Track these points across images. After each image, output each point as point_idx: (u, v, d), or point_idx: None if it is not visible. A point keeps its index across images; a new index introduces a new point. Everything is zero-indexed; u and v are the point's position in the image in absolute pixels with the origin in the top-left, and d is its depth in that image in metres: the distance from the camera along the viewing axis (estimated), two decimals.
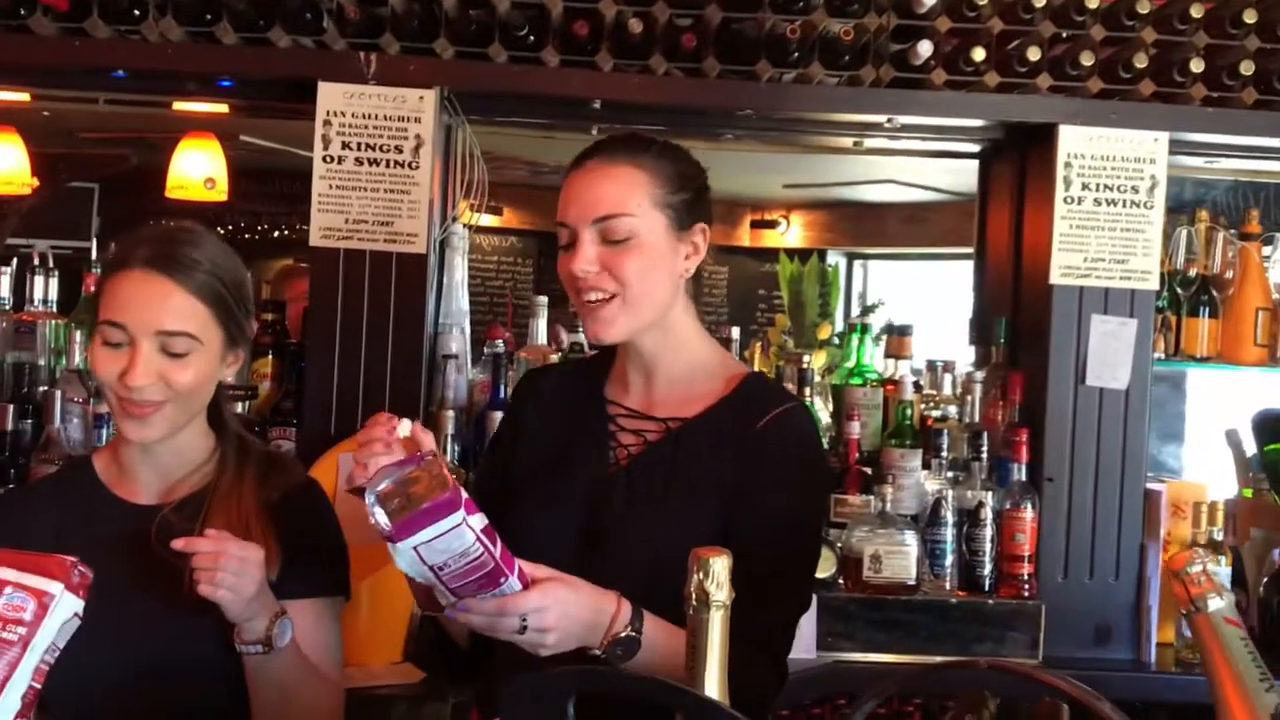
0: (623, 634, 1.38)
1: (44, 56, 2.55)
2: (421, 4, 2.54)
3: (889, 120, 2.72)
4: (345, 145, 2.54)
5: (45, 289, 2.87)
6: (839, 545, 2.63)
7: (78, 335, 2.74)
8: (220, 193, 4.58)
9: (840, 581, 2.62)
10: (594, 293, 1.57)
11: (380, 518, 1.27)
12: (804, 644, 2.56)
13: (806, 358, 2.93)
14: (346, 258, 2.56)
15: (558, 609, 1.34)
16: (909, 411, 2.76)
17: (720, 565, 1.03)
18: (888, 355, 2.95)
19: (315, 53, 2.57)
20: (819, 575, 2.62)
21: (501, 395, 2.66)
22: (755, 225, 7.77)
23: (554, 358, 2.76)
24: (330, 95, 2.54)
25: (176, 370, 1.54)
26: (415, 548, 1.26)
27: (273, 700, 1.52)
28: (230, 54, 2.55)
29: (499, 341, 2.81)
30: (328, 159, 2.54)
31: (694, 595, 1.03)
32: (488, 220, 6.31)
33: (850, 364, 2.98)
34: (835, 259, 7.35)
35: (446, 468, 1.31)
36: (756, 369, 1.79)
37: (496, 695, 1.05)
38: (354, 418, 2.54)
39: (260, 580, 1.47)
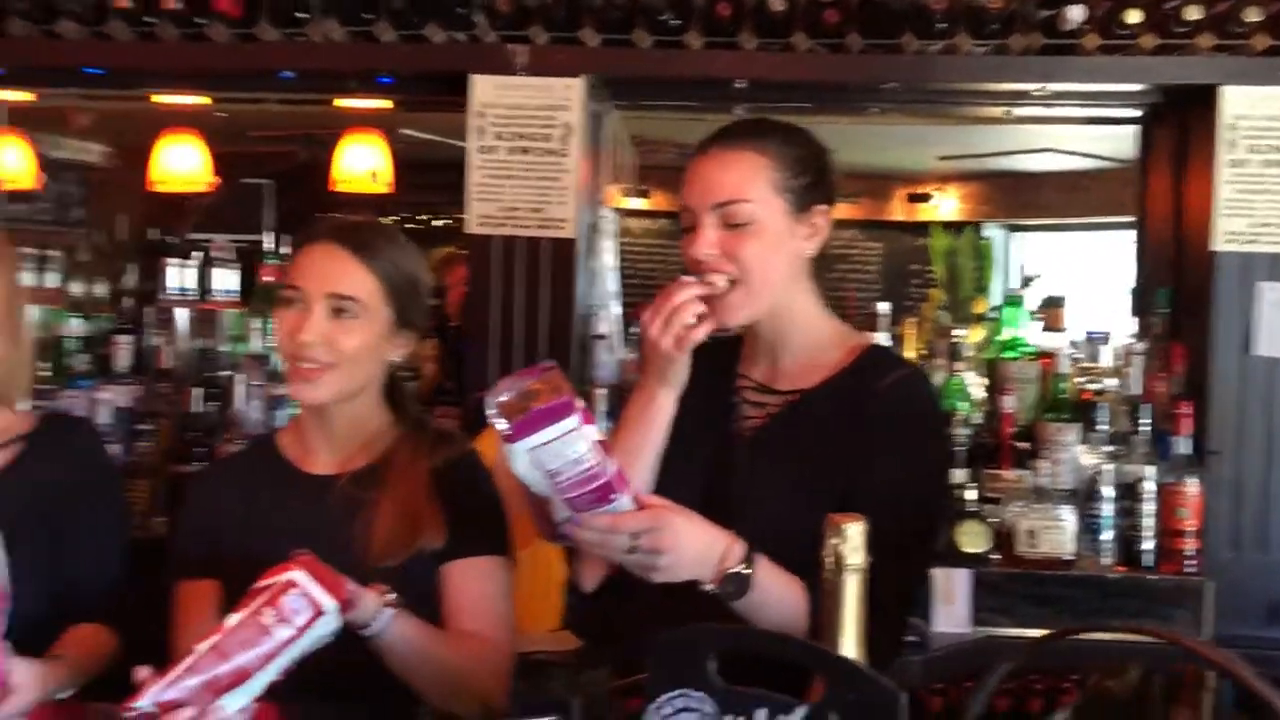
0: (734, 570, 1.41)
1: (219, 61, 2.72)
2: None
3: (1040, 88, 2.66)
4: (498, 135, 2.64)
5: (225, 280, 3.07)
6: (993, 520, 2.61)
7: (255, 322, 2.92)
8: (384, 184, 4.76)
9: (995, 556, 2.60)
10: (715, 269, 1.60)
11: (499, 422, 1.32)
12: (959, 618, 2.56)
13: (957, 332, 2.90)
14: (501, 244, 2.66)
15: (668, 532, 1.37)
16: (1064, 385, 2.71)
17: (855, 531, 1.06)
18: (1044, 328, 2.90)
19: (467, 46, 2.67)
20: (972, 550, 2.62)
21: None
22: (909, 199, 7.64)
23: None
24: (483, 87, 2.64)
25: (343, 333, 1.64)
26: (532, 449, 1.31)
27: (424, 673, 1.58)
28: (388, 51, 2.67)
29: None
30: (482, 149, 2.64)
31: (830, 560, 1.06)
32: (637, 203, 6.41)
33: (1004, 337, 2.93)
34: (992, 231, 7.17)
35: (563, 378, 1.35)
36: (883, 343, 1.78)
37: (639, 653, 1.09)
38: None
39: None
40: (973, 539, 2.61)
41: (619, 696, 1.21)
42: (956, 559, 2.57)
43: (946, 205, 7.59)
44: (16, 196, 4.77)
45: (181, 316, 2.98)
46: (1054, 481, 2.61)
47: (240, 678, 1.34)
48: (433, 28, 2.64)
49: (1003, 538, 2.59)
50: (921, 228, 7.13)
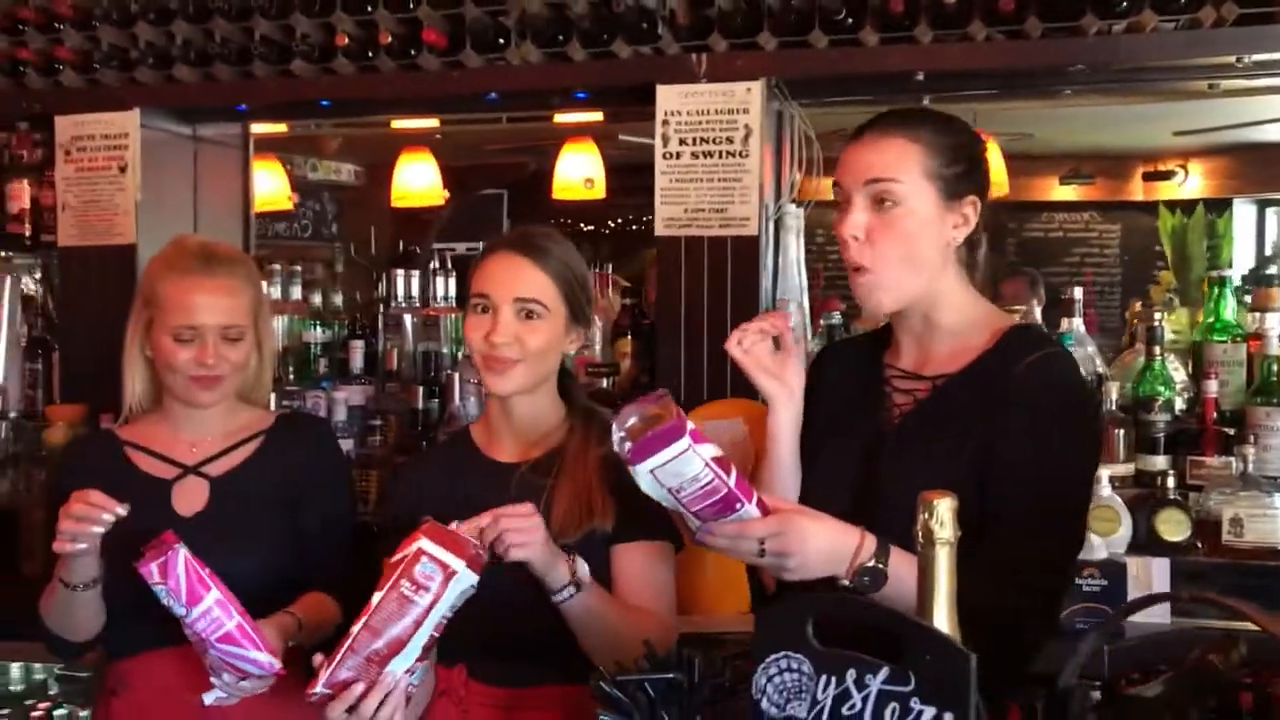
0: (868, 565, 1.48)
1: (431, 87, 2.98)
2: (746, 0, 2.72)
3: (1239, 60, 2.56)
4: (682, 141, 2.77)
5: (445, 287, 3.33)
6: (1194, 509, 2.54)
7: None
8: (598, 191, 4.99)
9: (1197, 545, 2.53)
10: (855, 260, 1.66)
11: (624, 447, 1.44)
12: (1157, 609, 2.51)
13: (1159, 315, 2.82)
14: (687, 244, 2.79)
15: (795, 535, 1.45)
16: (1275, 367, 2.60)
17: (944, 506, 1.12)
18: (1252, 308, 2.78)
19: (652, 59, 2.82)
20: (1172, 539, 2.55)
21: None
22: (1147, 177, 7.27)
23: None
24: (667, 97, 2.78)
25: (529, 332, 1.82)
26: (652, 471, 1.42)
27: (596, 636, 1.74)
28: (581, 68, 2.86)
29: (835, 314, 2.93)
30: (667, 155, 2.79)
31: (921, 534, 1.13)
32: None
33: (1210, 319, 2.83)
34: (1243, 207, 6.73)
35: (672, 403, 1.46)
36: (1030, 322, 1.77)
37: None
38: (700, 389, 2.77)
39: (544, 531, 1.67)
40: (1173, 527, 2.54)
41: (737, 659, 1.31)
42: (1155, 548, 2.51)
43: (1190, 183, 7.18)
44: (276, 216, 5.28)
45: (408, 322, 3.26)
46: (1262, 468, 2.51)
47: (397, 646, 1.51)
48: (620, 43, 2.80)
49: (1204, 526, 2.52)
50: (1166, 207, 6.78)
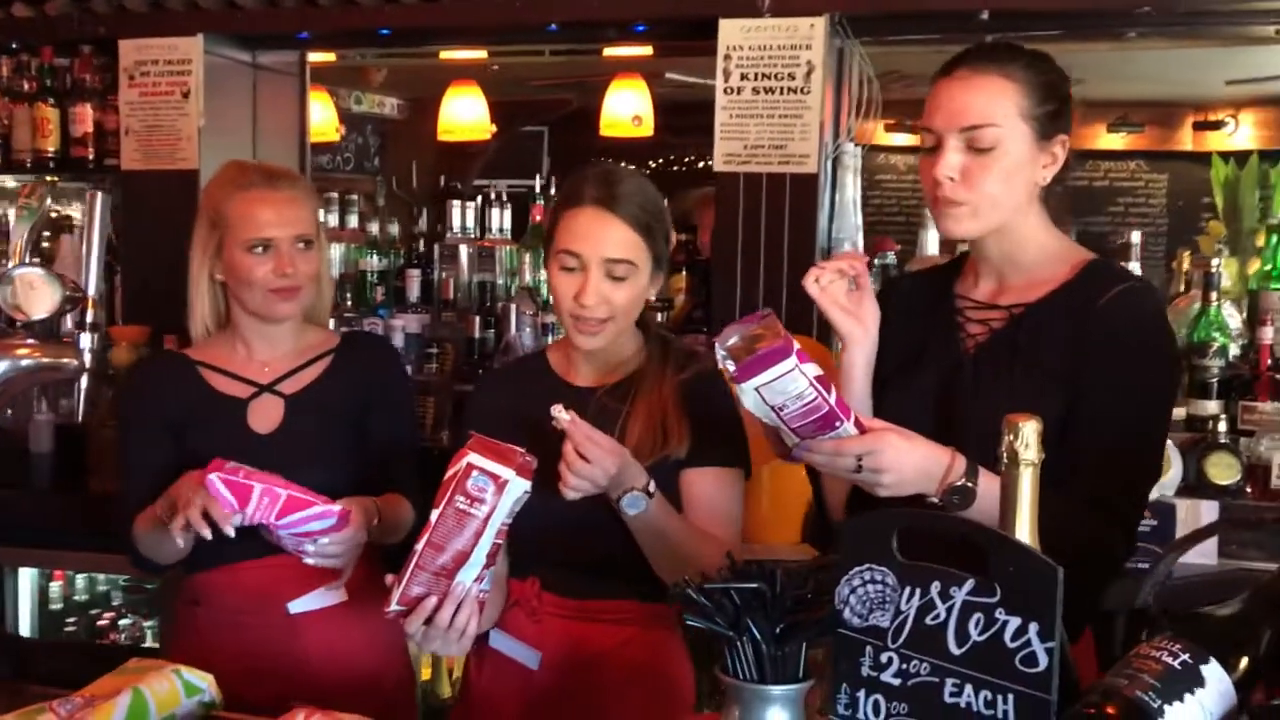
0: (958, 484, 1.51)
1: (491, 17, 2.99)
2: None
3: None
4: (743, 76, 2.78)
5: (500, 219, 3.37)
6: (1244, 453, 2.56)
7: (527, 258, 3.20)
8: (647, 128, 4.98)
9: (1246, 489, 2.55)
10: (949, 198, 1.68)
11: (728, 364, 1.47)
12: (1204, 551, 2.54)
13: (1215, 262, 2.82)
14: (745, 181, 2.81)
15: (890, 452, 1.48)
16: None
17: (1029, 429, 1.16)
18: None
19: None
20: (1222, 482, 2.58)
21: None
22: (1198, 127, 7.17)
23: None
24: (729, 31, 2.78)
25: (618, 291, 1.82)
26: (757, 388, 1.45)
27: (664, 555, 1.78)
28: (642, 1, 2.85)
29: (889, 254, 2.94)
30: (728, 90, 2.79)
31: (1005, 455, 1.16)
32: (901, 139, 6.36)
33: (1268, 268, 2.83)
34: None
35: (779, 323, 1.48)
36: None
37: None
38: None
39: (612, 470, 1.68)
40: (1222, 470, 2.57)
41: (818, 572, 1.35)
42: (1205, 491, 2.54)
43: (1240, 133, 7.09)
44: (320, 148, 5.30)
45: (464, 253, 3.30)
46: None
47: (461, 559, 1.56)
48: None
49: (1254, 471, 2.54)
50: (1211, 159, 6.70)
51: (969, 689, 1.10)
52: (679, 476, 1.87)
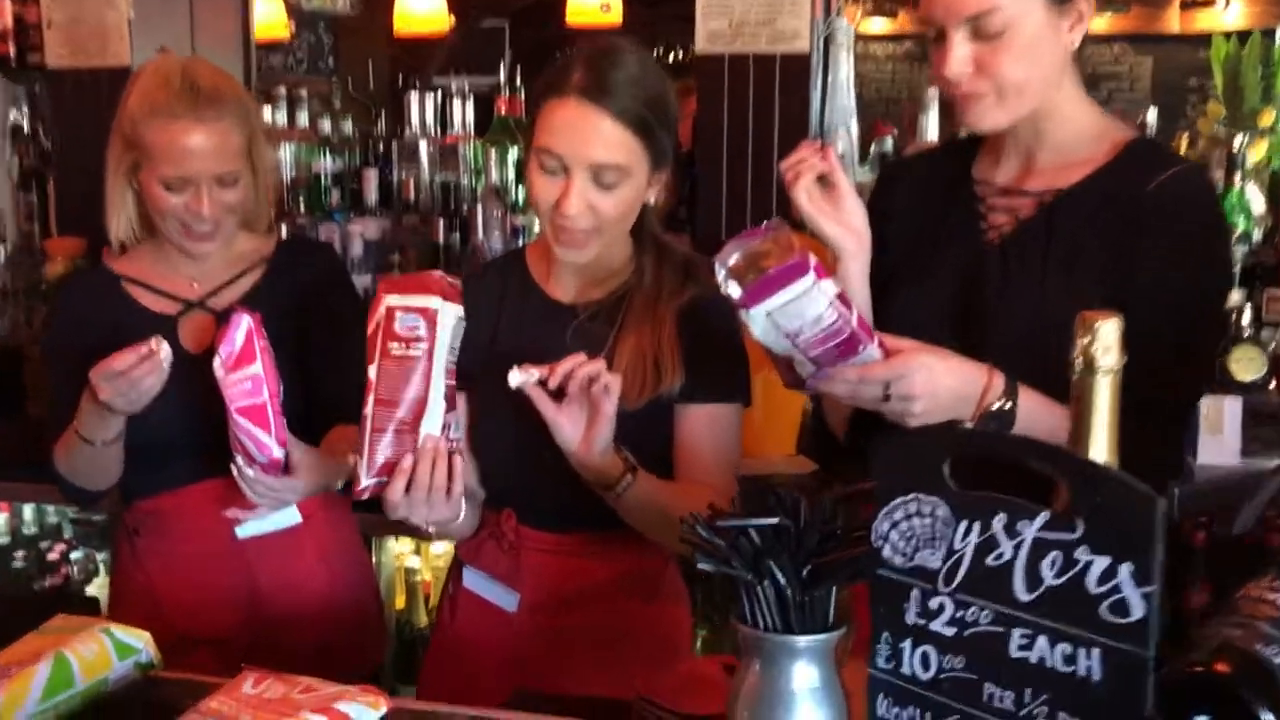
0: (995, 406, 1.33)
1: None
2: None
3: None
4: None
5: (463, 114, 3.11)
6: (1270, 345, 2.40)
7: (493, 154, 2.96)
8: (616, 15, 4.70)
9: (1270, 385, 2.39)
10: (968, 92, 1.47)
11: (731, 287, 1.28)
12: (1227, 450, 2.38)
13: (1238, 139, 2.62)
14: (731, 63, 2.57)
15: (921, 375, 1.30)
16: None
17: (1109, 328, 0.97)
18: None
19: None
20: (1245, 378, 2.42)
21: None
22: (1185, 6, 6.92)
23: None
24: None
25: (606, 200, 1.56)
26: (769, 313, 1.26)
27: (652, 524, 1.58)
28: None
29: (887, 138, 2.73)
30: None
31: (1080, 360, 0.97)
32: (880, 25, 6.09)
33: None
34: None
35: (793, 235, 1.30)
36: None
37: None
38: (743, 218, 2.59)
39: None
40: (1246, 365, 2.40)
41: (847, 502, 1.18)
42: (1226, 386, 2.38)
43: (1233, 11, 6.84)
44: (271, 48, 4.98)
45: (424, 151, 3.06)
46: None
47: (419, 408, 1.41)
48: None
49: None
50: (1202, 40, 6.46)
51: (1042, 641, 0.92)
52: (672, 412, 1.65)
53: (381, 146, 3.22)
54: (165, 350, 1.67)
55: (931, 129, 2.73)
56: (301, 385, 1.86)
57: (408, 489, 1.43)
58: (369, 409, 1.41)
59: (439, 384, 1.42)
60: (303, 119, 3.23)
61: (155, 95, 1.82)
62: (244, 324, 1.63)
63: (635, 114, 1.56)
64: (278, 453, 1.63)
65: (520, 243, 2.75)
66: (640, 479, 1.54)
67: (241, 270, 1.94)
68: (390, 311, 1.40)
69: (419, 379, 1.40)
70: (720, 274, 1.29)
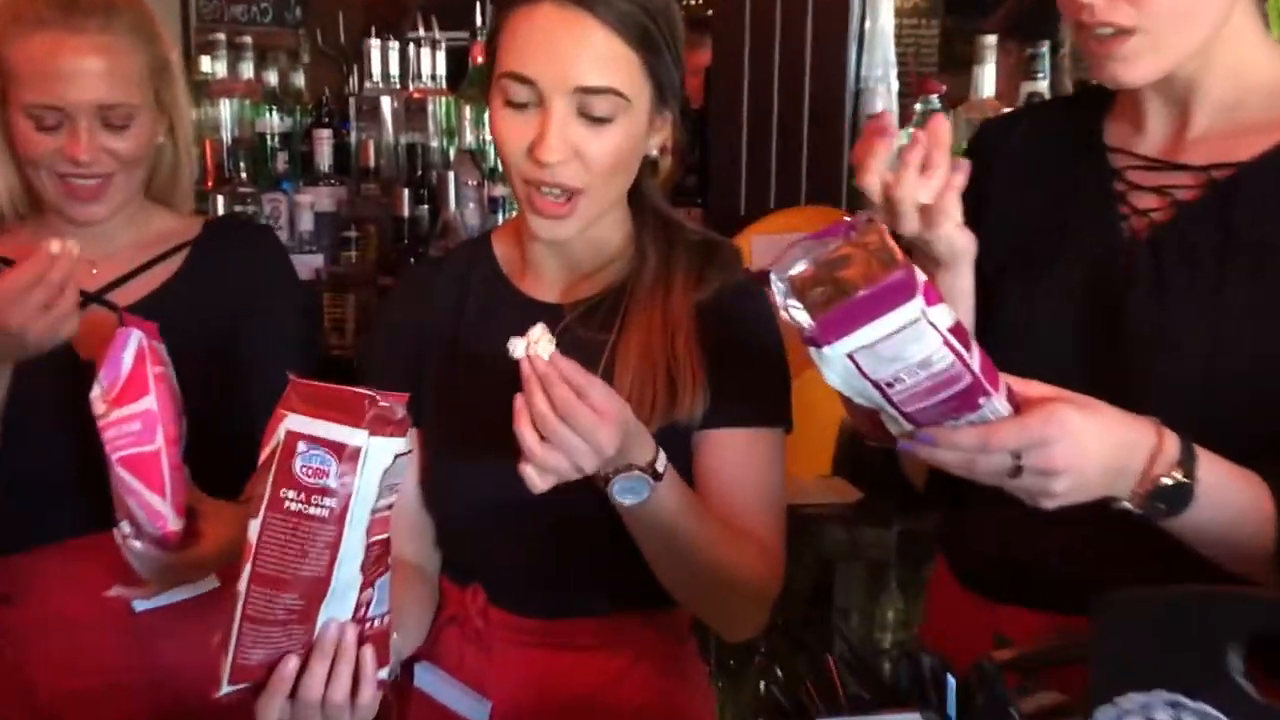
0: (1167, 480, 0.95)
1: None
2: None
3: None
4: None
5: (433, 65, 2.67)
6: None
7: (468, 112, 2.53)
8: None
9: None
10: (1108, 21, 1.08)
11: (797, 313, 0.89)
12: None
13: None
14: (754, 7, 2.15)
15: (1068, 442, 0.92)
16: None
17: None
18: None
19: None
20: None
21: None
22: None
23: None
24: None
25: (597, 141, 1.16)
26: (850, 355, 0.87)
27: (674, 561, 1.18)
28: None
29: (933, 97, 2.31)
30: None
31: None
32: None
33: None
34: None
35: (889, 239, 0.89)
36: None
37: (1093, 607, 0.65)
38: (766, 194, 2.18)
39: (609, 447, 1.06)
40: None
41: (1021, 668, 0.78)
42: None
43: None
44: None
45: (387, 107, 2.61)
46: None
47: (318, 588, 0.97)
48: None
49: None
50: None
51: None
52: (691, 440, 1.24)
53: (338, 104, 2.77)
54: (71, 246, 1.27)
55: (987, 85, 2.30)
56: (225, 410, 1.44)
57: (292, 696, 1.00)
58: (242, 584, 0.97)
59: (354, 551, 0.98)
60: (246, 71, 2.77)
61: (20, 2, 1.40)
62: (133, 341, 1.21)
63: (634, 21, 1.15)
64: (174, 524, 1.21)
65: (501, 218, 2.32)
66: (669, 489, 1.13)
67: (155, 257, 1.53)
68: (291, 440, 0.95)
69: (320, 551, 0.96)
70: (779, 291, 0.89)
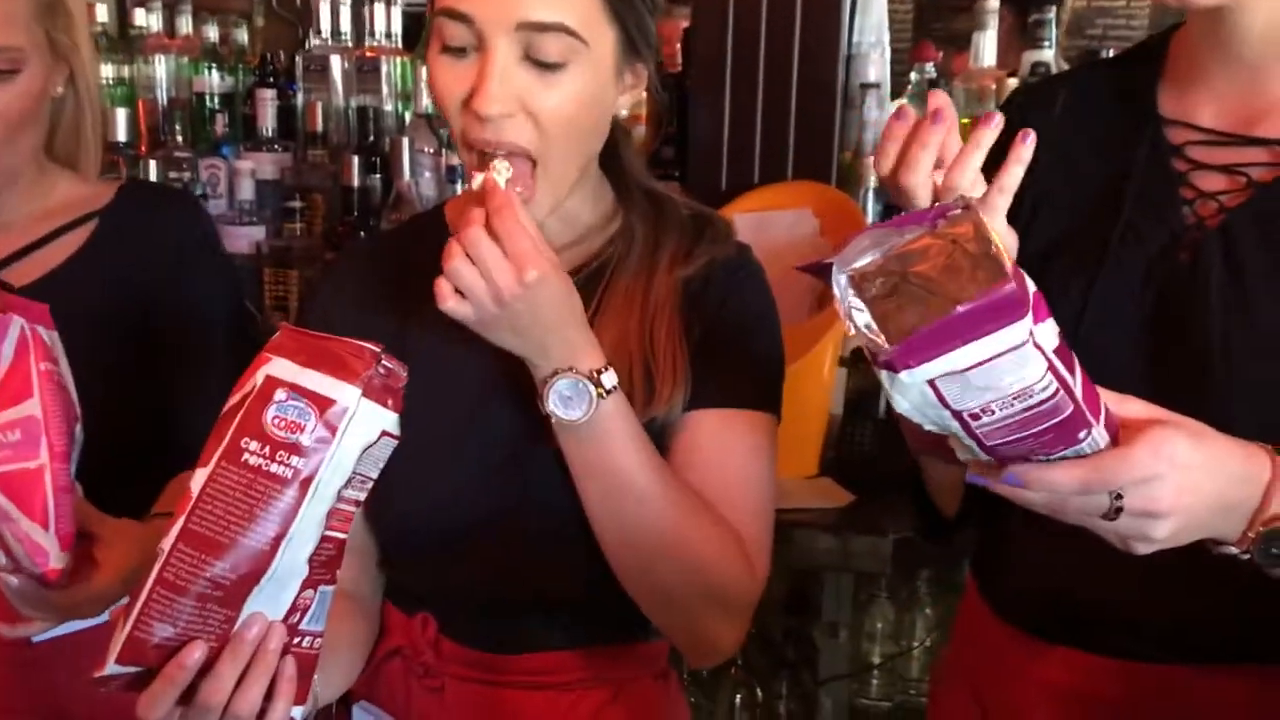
0: None
1: None
2: None
3: None
4: None
5: (387, 21, 2.46)
6: None
7: (424, 72, 2.33)
8: None
9: None
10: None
11: (864, 324, 0.71)
12: None
13: None
14: None
15: (1177, 479, 0.76)
16: None
17: None
18: None
19: None
20: None
21: None
22: None
23: (1012, 83, 2.06)
24: None
25: (546, 91, 0.99)
26: (934, 381, 0.70)
27: (614, 514, 1.01)
28: None
29: (929, 65, 2.16)
30: None
31: None
32: None
33: None
34: None
35: (991, 233, 0.71)
36: None
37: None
38: (750, 167, 2.01)
39: (514, 287, 0.93)
40: None
41: None
42: None
43: None
44: None
45: (336, 67, 2.41)
46: None
47: (255, 567, 0.80)
48: None
49: None
50: None
51: None
52: (668, 435, 1.07)
53: (284, 63, 2.56)
54: None
55: (988, 53, 2.13)
56: (134, 409, 1.25)
57: (184, 701, 0.82)
58: (167, 542, 0.80)
59: (309, 535, 0.81)
60: (184, 25, 2.56)
61: None
62: (13, 330, 1.00)
63: None
64: (57, 560, 1.00)
65: (460, 189, 2.13)
66: (615, 411, 0.99)
67: (57, 228, 1.33)
68: (269, 386, 0.80)
69: (270, 520, 0.79)
70: (842, 294, 0.71)
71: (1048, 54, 2.08)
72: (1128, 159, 1.03)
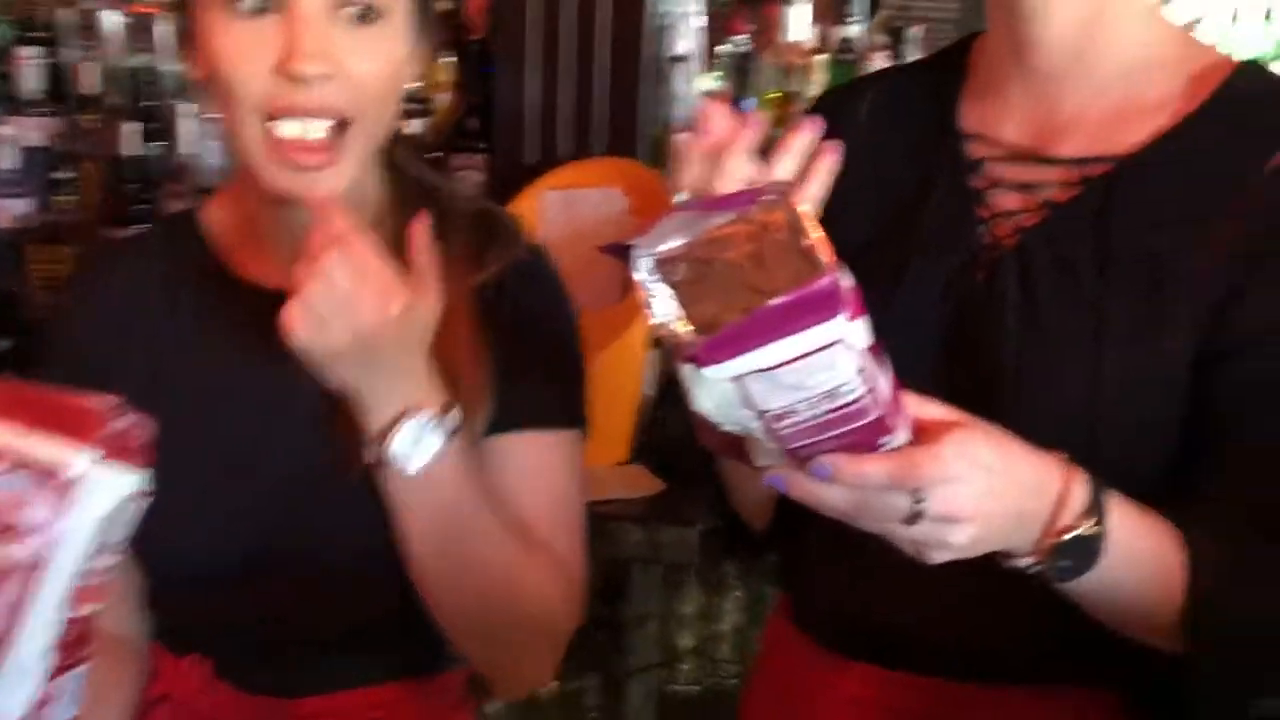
0: (1081, 531, 0.77)
1: None
2: None
3: None
4: None
5: None
6: None
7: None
8: None
9: None
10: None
11: (666, 313, 0.66)
12: None
13: None
14: None
15: (979, 483, 0.73)
16: None
17: None
18: None
19: None
20: None
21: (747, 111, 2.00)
22: None
23: (818, 62, 2.05)
24: None
25: (363, 50, 0.92)
26: (740, 377, 0.66)
27: (440, 556, 0.95)
28: None
29: (742, 37, 2.13)
30: None
31: None
32: None
33: None
34: None
35: (808, 222, 0.67)
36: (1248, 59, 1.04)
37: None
38: (553, 140, 1.93)
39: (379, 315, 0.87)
40: None
41: None
42: None
43: None
44: None
45: (108, 23, 2.23)
46: None
47: None
48: None
49: None
50: None
51: None
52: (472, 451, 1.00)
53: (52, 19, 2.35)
54: None
55: (799, 28, 2.12)
56: None
57: None
58: None
59: (35, 634, 0.70)
60: None
61: None
62: None
63: None
64: None
65: None
66: (453, 458, 0.94)
67: None
68: None
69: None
70: (645, 277, 0.67)
71: (854, 29, 2.08)
72: (927, 173, 1.00)
